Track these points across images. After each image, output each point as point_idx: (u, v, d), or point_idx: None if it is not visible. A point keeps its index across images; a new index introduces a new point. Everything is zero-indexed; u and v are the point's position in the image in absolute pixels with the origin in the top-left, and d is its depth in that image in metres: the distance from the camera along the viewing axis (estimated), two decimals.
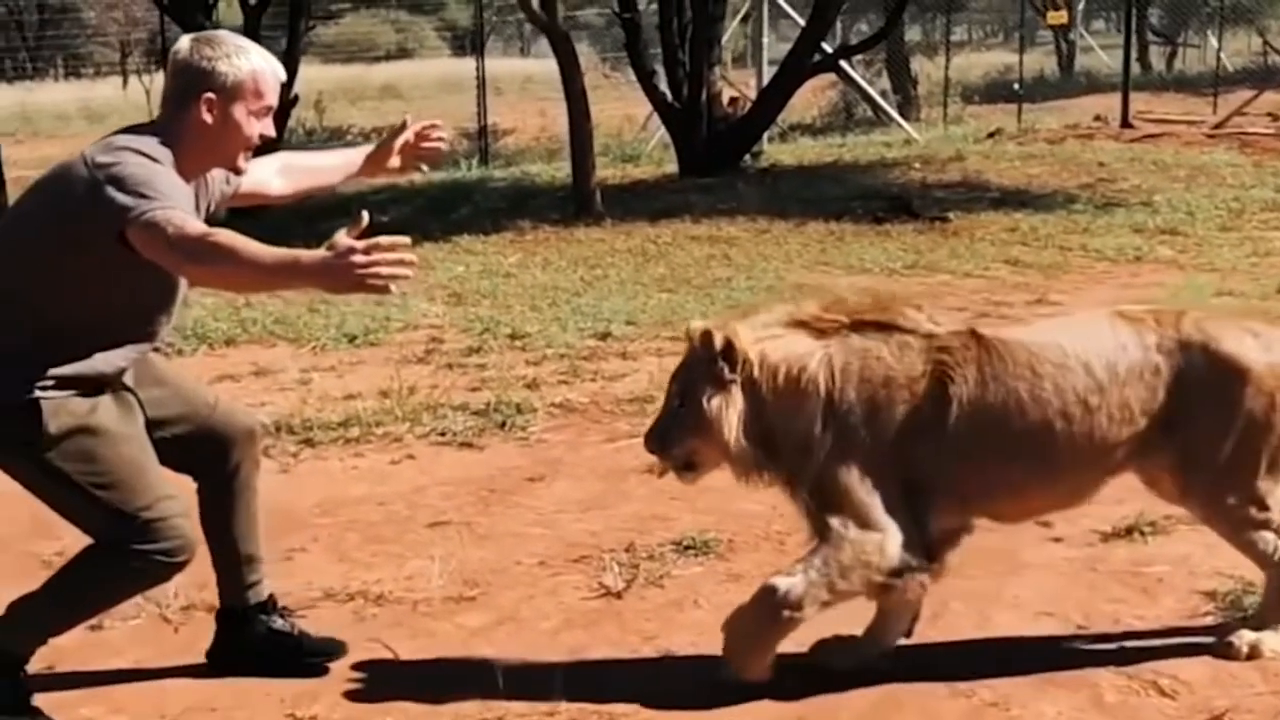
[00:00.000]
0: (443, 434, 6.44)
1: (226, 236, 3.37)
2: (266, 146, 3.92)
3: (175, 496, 3.75)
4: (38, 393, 3.61)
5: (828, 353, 3.81)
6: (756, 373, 3.80)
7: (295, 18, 14.74)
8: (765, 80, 18.02)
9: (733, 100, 16.56)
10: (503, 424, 6.51)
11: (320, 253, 3.29)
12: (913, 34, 27.55)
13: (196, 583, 4.73)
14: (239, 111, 3.69)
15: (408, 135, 4.32)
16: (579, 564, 4.93)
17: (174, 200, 3.46)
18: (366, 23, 42.62)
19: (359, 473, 6.05)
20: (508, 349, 8.03)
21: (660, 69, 15.97)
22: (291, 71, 14.34)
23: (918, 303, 4.02)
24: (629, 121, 21.10)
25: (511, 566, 4.94)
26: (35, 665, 4.04)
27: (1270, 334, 3.99)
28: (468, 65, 29.80)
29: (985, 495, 3.92)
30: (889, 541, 3.76)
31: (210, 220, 3.85)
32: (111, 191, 3.46)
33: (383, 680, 4.13)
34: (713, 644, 4.15)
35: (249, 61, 3.70)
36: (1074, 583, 4.62)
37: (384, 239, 3.28)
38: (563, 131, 20.60)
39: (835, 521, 3.76)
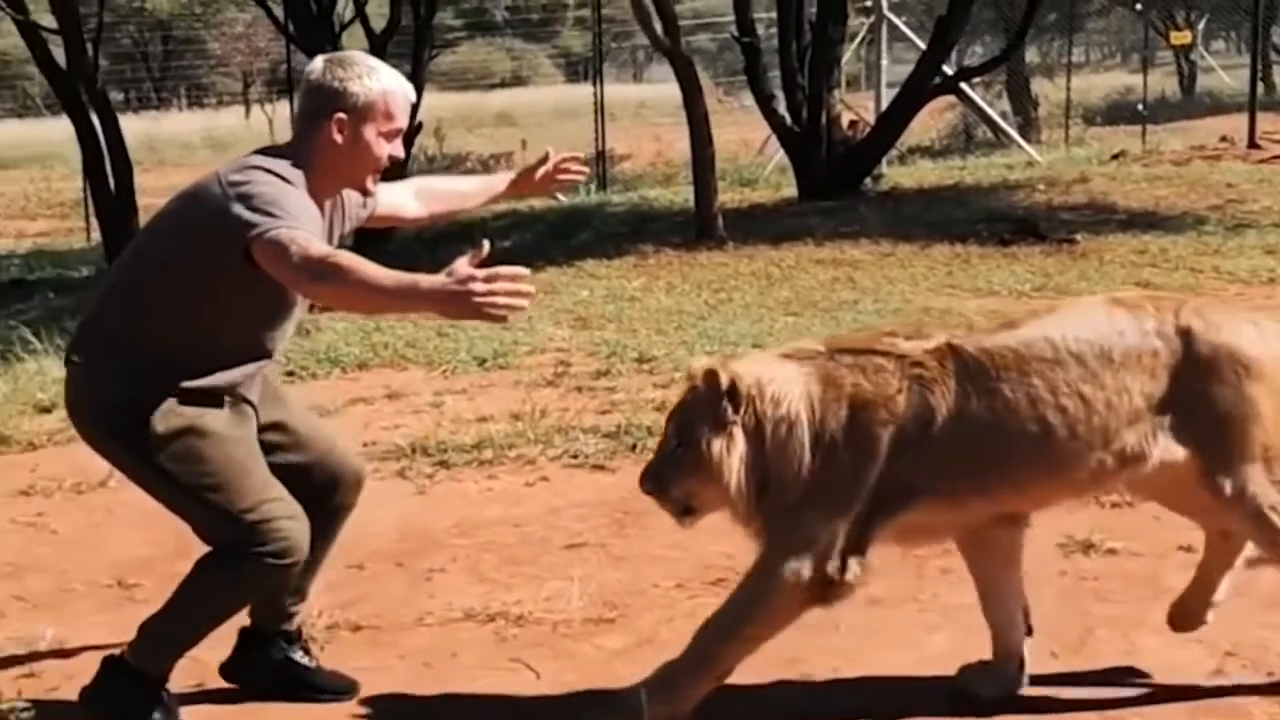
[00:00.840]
0: (575, 456, 6.47)
1: (348, 258, 3.43)
2: (394, 169, 3.98)
3: (281, 499, 3.79)
4: (152, 397, 3.70)
5: (806, 383, 3.75)
6: (757, 407, 3.72)
7: (419, 45, 14.91)
8: (884, 103, 17.97)
9: (852, 123, 16.50)
10: (633, 446, 6.51)
11: (440, 278, 3.32)
12: (1030, 55, 27.31)
13: (340, 602, 4.83)
14: (369, 132, 3.74)
15: (549, 166, 4.39)
16: (715, 586, 4.91)
17: (300, 220, 3.53)
18: (482, 51, 43.10)
19: (494, 494, 6.09)
20: (635, 372, 8.04)
21: (779, 93, 15.95)
22: (416, 98, 14.60)
23: (893, 329, 3.98)
24: (745, 146, 21.10)
25: (649, 589, 4.94)
26: (184, 683, 4.14)
27: (1267, 325, 3.93)
28: (582, 92, 29.97)
29: (984, 494, 3.82)
30: (805, 570, 3.69)
31: (341, 243, 3.95)
32: (240, 208, 3.53)
33: (527, 701, 4.16)
34: (854, 668, 4.15)
35: (380, 82, 3.75)
36: (1221, 608, 4.53)
37: (504, 269, 3.31)
38: (678, 156, 20.74)
39: (771, 551, 3.73)
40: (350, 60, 3.82)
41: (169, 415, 3.70)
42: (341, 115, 3.72)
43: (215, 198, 3.61)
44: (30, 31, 13.82)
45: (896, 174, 17.03)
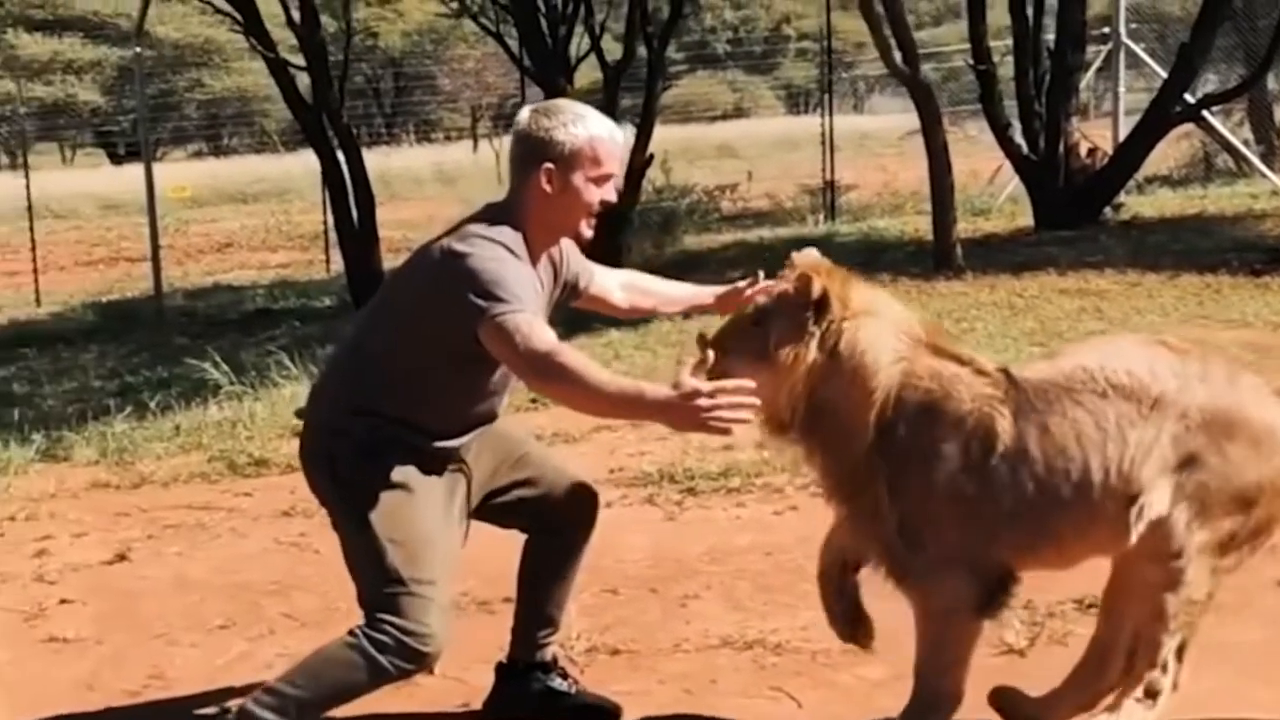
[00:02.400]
0: None
1: (573, 360, 3.48)
2: (608, 216, 3.96)
3: (444, 587, 3.74)
4: (377, 451, 3.76)
5: (895, 355, 3.61)
6: (841, 340, 3.60)
7: (651, 78, 15.01)
8: (1121, 130, 17.56)
9: (1090, 151, 16.12)
10: None
11: (665, 391, 3.38)
12: (1269, 82, 26.37)
13: (598, 626, 4.87)
14: (578, 179, 3.74)
15: (756, 289, 4.35)
16: None
17: (524, 301, 3.57)
18: (704, 83, 43.41)
19: (743, 522, 6.07)
20: None
21: (1014, 121, 15.68)
22: (647, 131, 14.73)
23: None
24: (973, 176, 20.78)
25: (907, 621, 4.85)
26: (455, 702, 4.19)
27: None
28: (803, 123, 29.89)
29: (1030, 550, 3.66)
30: (963, 594, 3.64)
31: (563, 298, 4.04)
32: (465, 287, 3.58)
33: None
34: None
35: (586, 129, 3.75)
36: None
37: (729, 382, 3.37)
38: (904, 187, 20.55)
39: (922, 567, 3.65)
40: (556, 109, 3.83)
41: (386, 469, 3.76)
42: (549, 165, 3.73)
43: (441, 270, 3.67)
44: (279, 69, 14.26)
45: (1135, 203, 16.57)
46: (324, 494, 3.91)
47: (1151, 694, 3.65)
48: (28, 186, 18.71)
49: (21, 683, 4.78)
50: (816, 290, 3.60)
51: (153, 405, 8.84)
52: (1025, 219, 15.90)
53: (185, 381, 9.86)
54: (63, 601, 5.57)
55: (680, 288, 4.50)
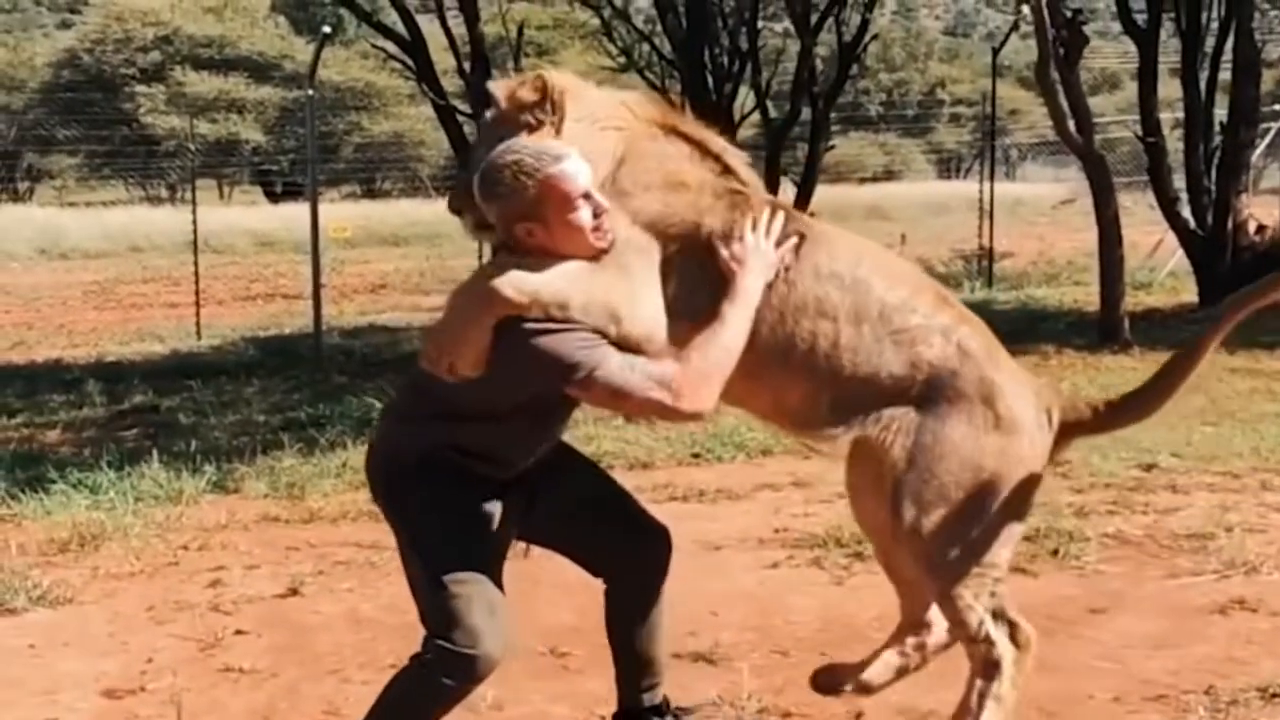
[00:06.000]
0: None
1: (693, 365, 3.55)
2: None
3: (483, 587, 3.70)
4: (432, 465, 3.75)
5: (622, 137, 3.72)
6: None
7: (815, 139, 15.07)
8: None
9: (1259, 229, 15.82)
10: (1055, 551, 6.32)
11: (749, 270, 3.64)
12: None
13: (770, 687, 4.84)
14: (555, 221, 3.60)
15: None
16: (1156, 703, 4.72)
17: (585, 346, 3.53)
18: (856, 145, 43.38)
19: None
20: (1049, 476, 7.79)
21: (1181, 195, 15.46)
22: (809, 190, 14.76)
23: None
24: (1131, 248, 20.50)
25: (1085, 700, 4.78)
26: None
27: (1042, 393, 3.85)
28: (954, 187, 29.78)
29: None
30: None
31: None
32: (529, 360, 3.55)
33: None
34: None
35: (532, 177, 3.59)
36: None
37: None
38: (1060, 256, 20.34)
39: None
40: (494, 171, 3.64)
41: (435, 489, 3.75)
42: (524, 225, 3.62)
43: (501, 343, 3.60)
44: (448, 115, 14.48)
45: None
46: (385, 514, 3.93)
47: (990, 668, 3.79)
48: (194, 221, 19.05)
49: (201, 711, 4.86)
50: (554, 87, 3.74)
51: (323, 441, 8.98)
52: (1188, 294, 15.65)
53: (349, 419, 9.98)
54: (238, 632, 5.67)
55: None
